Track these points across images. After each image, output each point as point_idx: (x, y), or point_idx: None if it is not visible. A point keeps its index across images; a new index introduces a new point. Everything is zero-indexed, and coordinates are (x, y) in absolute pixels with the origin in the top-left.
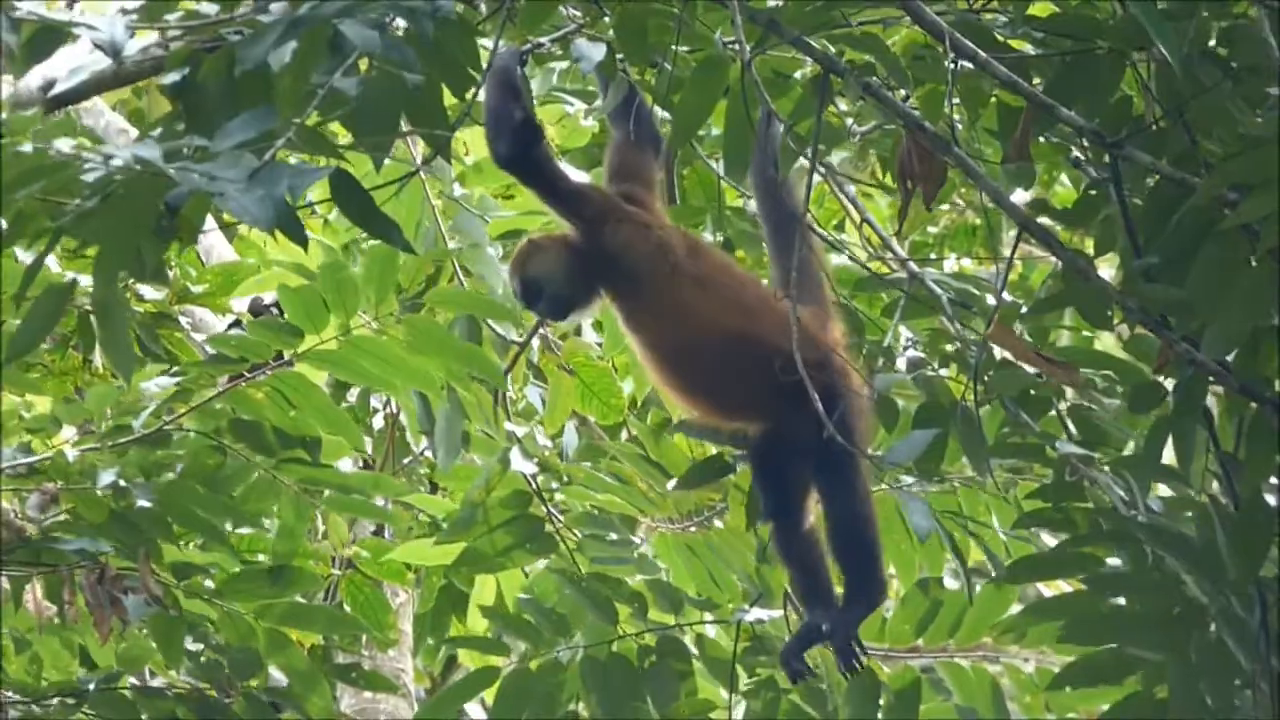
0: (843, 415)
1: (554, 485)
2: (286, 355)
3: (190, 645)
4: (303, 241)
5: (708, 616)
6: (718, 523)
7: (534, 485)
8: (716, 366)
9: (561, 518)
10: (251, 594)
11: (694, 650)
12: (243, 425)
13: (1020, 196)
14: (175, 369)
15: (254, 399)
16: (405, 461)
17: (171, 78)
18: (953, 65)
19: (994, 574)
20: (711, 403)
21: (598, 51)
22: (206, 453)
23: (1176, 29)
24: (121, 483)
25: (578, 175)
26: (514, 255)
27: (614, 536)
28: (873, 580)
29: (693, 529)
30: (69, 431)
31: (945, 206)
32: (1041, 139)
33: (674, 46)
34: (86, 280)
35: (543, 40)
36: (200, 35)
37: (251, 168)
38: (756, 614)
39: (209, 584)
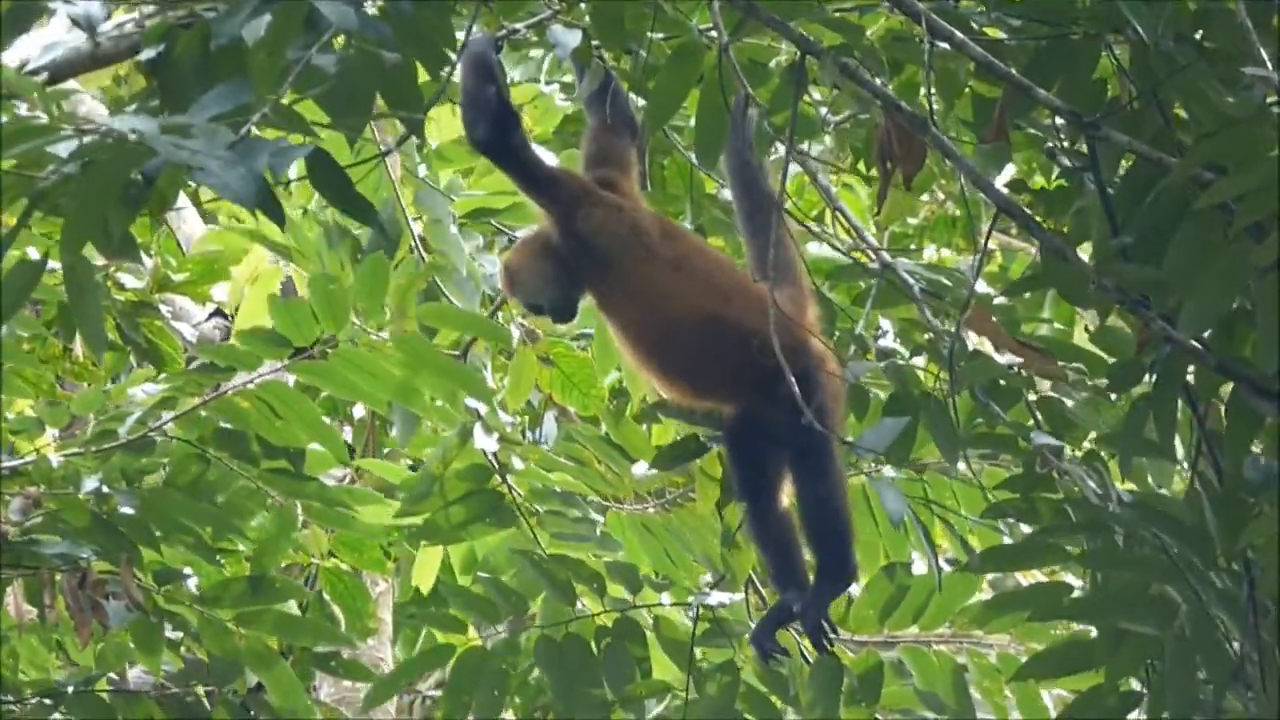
0: (818, 399)
1: (514, 460)
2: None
3: (170, 653)
4: (280, 220)
5: (666, 598)
6: (679, 506)
7: (493, 461)
8: (691, 349)
9: (521, 492)
10: (233, 601)
11: (651, 632)
12: (227, 434)
13: (998, 181)
14: (162, 375)
15: (240, 408)
16: (386, 452)
17: (147, 54)
18: (929, 46)
19: (965, 561)
20: (687, 384)
21: (573, 38)
22: (190, 460)
23: (1151, 10)
24: (104, 489)
25: (551, 159)
26: (501, 277)
27: (575, 514)
28: (843, 561)
29: (652, 510)
30: (52, 433)
31: (925, 198)
32: (1018, 127)
33: (649, 34)
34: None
35: (519, 26)
36: (176, 11)
37: (229, 142)
38: (718, 597)
39: (191, 589)
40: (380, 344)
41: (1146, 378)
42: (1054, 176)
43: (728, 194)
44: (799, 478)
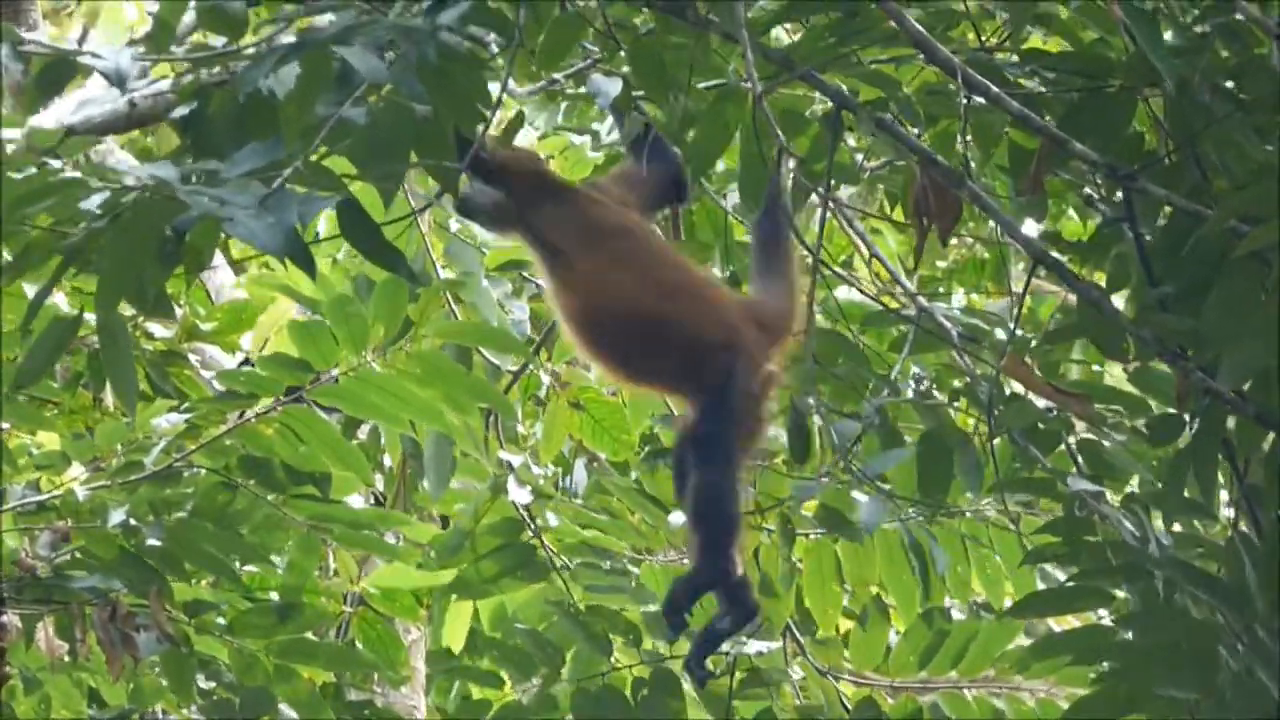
0: (728, 397)
1: (548, 514)
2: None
3: (201, 683)
4: (311, 270)
5: None
6: None
7: (525, 514)
8: (624, 339)
9: (553, 546)
10: (261, 630)
11: (687, 684)
12: (252, 462)
13: (1032, 229)
14: (185, 405)
15: (264, 435)
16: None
17: (180, 111)
18: (965, 100)
19: (1001, 609)
20: (622, 370)
21: (614, 86)
22: (216, 490)
23: (1186, 63)
24: (132, 521)
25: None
26: None
27: (608, 566)
28: (711, 561)
29: (687, 561)
30: (77, 469)
31: (954, 241)
32: (1055, 175)
33: (689, 81)
34: (93, 316)
35: (557, 76)
36: (208, 69)
37: (260, 194)
38: (755, 646)
39: (220, 620)
40: (402, 359)
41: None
42: (1091, 224)
43: None
44: (692, 467)
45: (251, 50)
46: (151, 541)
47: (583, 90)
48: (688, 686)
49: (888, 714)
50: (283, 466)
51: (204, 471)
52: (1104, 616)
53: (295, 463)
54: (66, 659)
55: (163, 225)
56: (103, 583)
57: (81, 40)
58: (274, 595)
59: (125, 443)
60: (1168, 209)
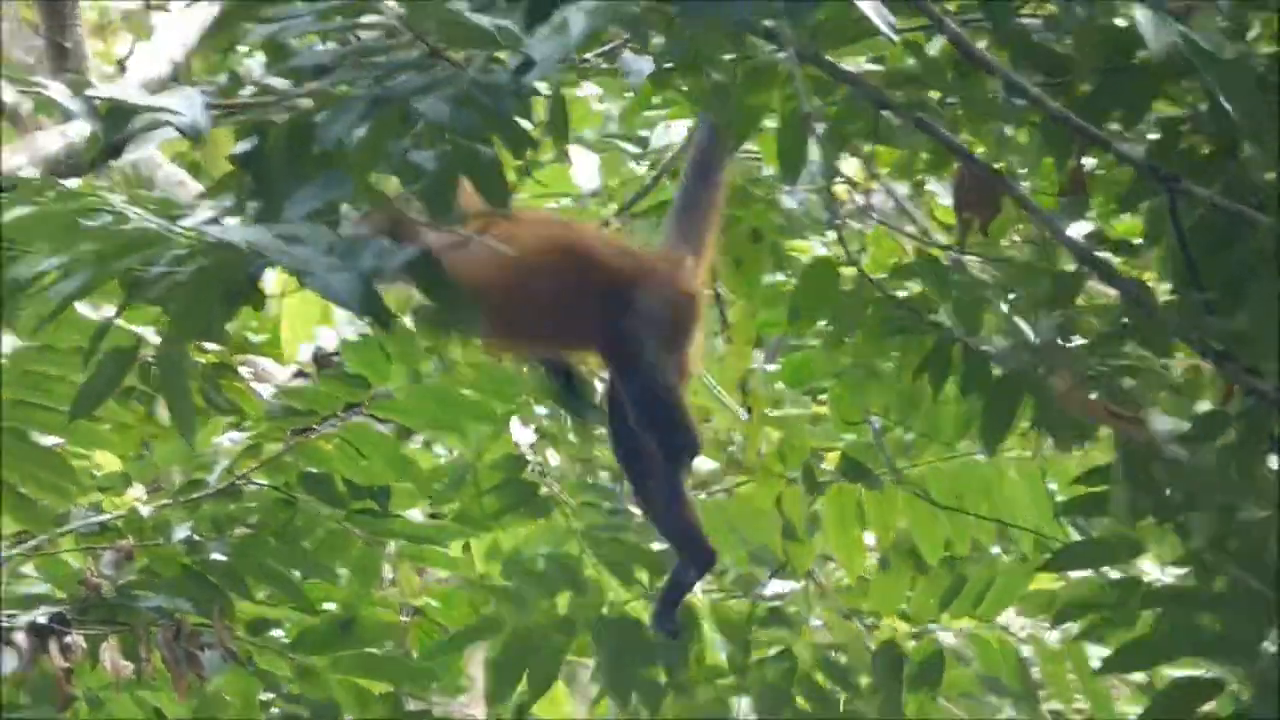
0: (633, 320)
1: (549, 452)
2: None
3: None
4: (386, 324)
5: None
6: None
7: (528, 452)
8: (529, 299)
9: (557, 483)
10: (322, 645)
11: (706, 620)
12: (313, 478)
13: (1083, 228)
14: (245, 423)
15: (324, 451)
16: None
17: (241, 148)
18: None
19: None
20: (527, 337)
21: (645, 65)
22: (278, 506)
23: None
24: (195, 538)
25: None
26: None
27: (611, 505)
28: (695, 553)
29: (704, 496)
30: (138, 489)
31: (1004, 243)
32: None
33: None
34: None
35: (589, 55)
36: (278, 113)
37: (330, 242)
38: (775, 587)
39: (282, 637)
40: (461, 367)
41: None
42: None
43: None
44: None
45: (314, 86)
46: (215, 557)
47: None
48: (705, 624)
49: (909, 655)
50: (343, 481)
51: (264, 488)
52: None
53: (355, 477)
54: (131, 678)
55: (238, 273)
56: (167, 602)
57: (127, 58)
58: (334, 607)
59: (188, 463)
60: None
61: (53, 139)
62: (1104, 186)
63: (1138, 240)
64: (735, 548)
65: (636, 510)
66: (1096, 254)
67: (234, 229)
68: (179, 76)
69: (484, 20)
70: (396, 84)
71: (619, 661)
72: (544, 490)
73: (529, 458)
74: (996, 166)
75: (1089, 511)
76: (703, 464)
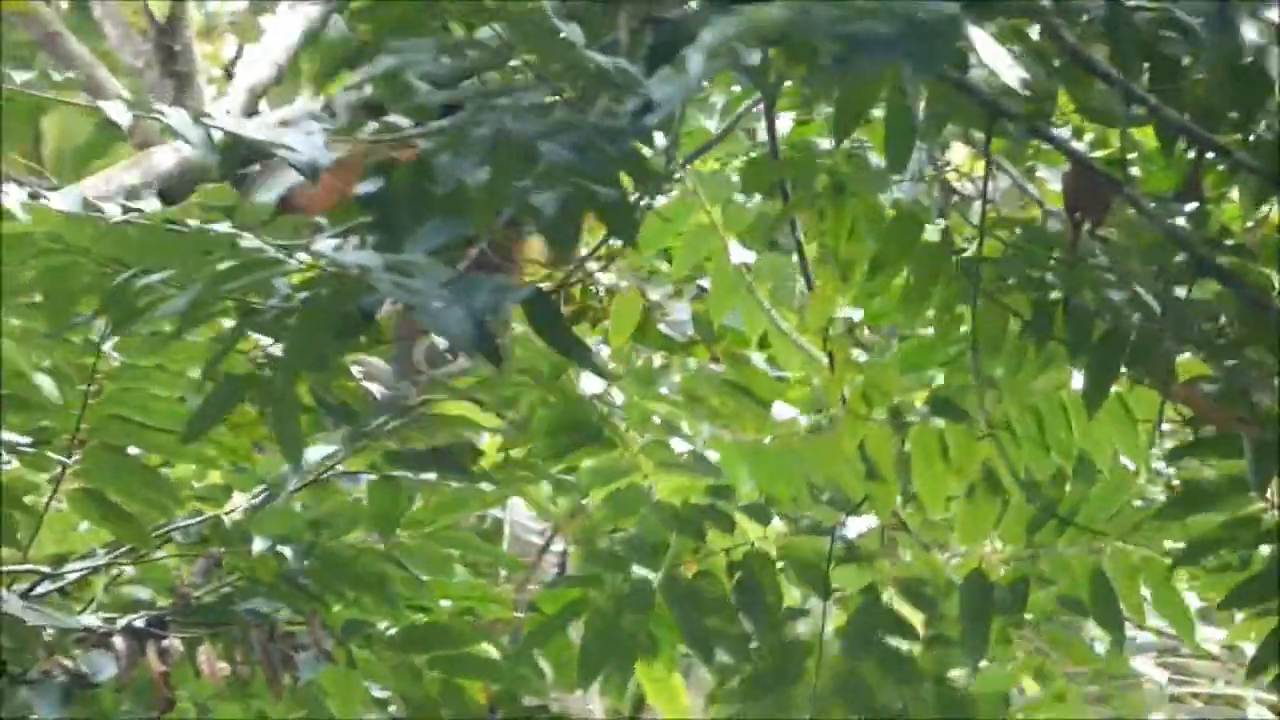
0: None
1: (615, 392)
2: None
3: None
4: (497, 362)
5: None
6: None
7: (596, 398)
8: None
9: (623, 422)
10: (423, 645)
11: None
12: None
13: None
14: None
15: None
16: None
17: (365, 187)
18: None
19: None
20: None
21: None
22: (376, 491)
23: None
24: (277, 548)
25: None
26: None
27: (678, 442)
28: None
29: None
30: (240, 499)
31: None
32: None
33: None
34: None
35: None
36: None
37: (444, 278)
38: (855, 525)
39: (383, 634)
40: None
41: None
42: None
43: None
44: None
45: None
46: (305, 563)
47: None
48: (782, 570)
49: (997, 583)
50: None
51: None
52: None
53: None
54: (230, 681)
55: (350, 304)
56: (263, 606)
57: (235, 61)
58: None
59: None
60: None
61: (167, 156)
62: (1219, 184)
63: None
64: (813, 491)
65: None
66: (1212, 257)
67: (348, 254)
68: (282, 79)
69: (605, 61)
70: (519, 126)
71: (697, 619)
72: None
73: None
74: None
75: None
76: (783, 410)
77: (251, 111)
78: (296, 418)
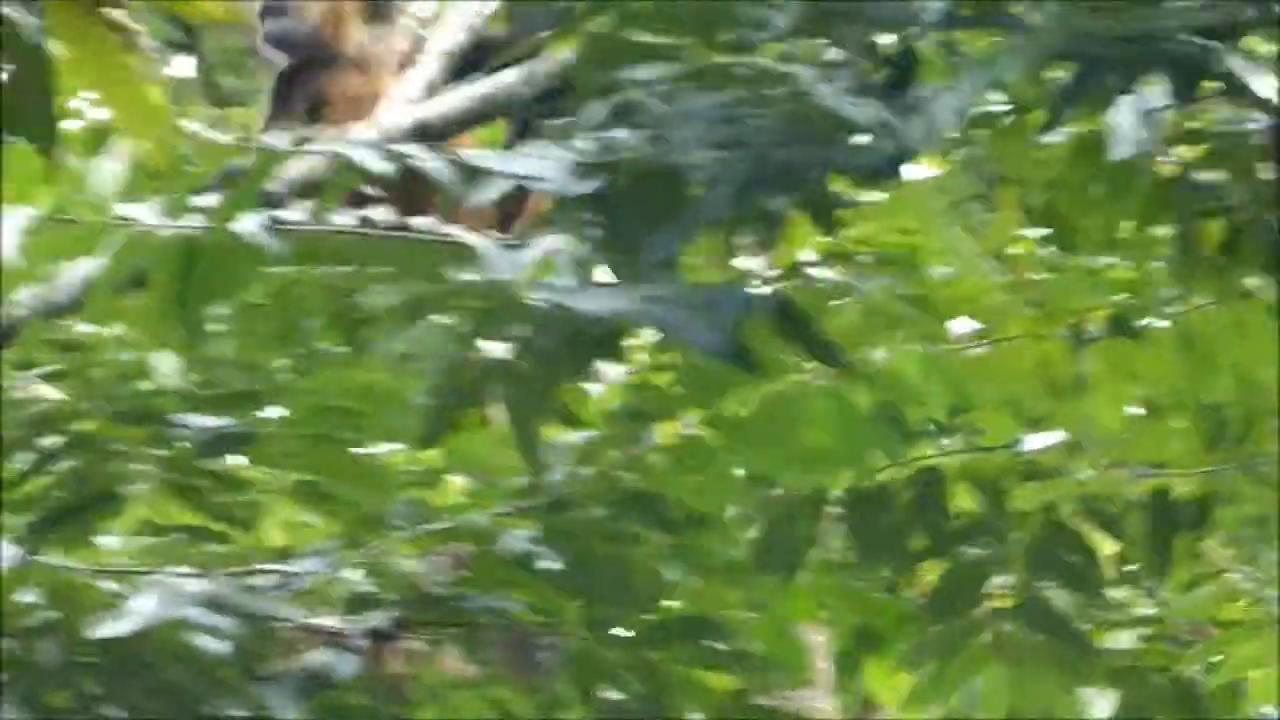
0: None
1: None
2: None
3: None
4: (750, 367)
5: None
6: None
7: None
8: None
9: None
10: (665, 641)
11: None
12: (640, 497)
13: None
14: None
15: (657, 469)
16: None
17: (591, 185)
18: None
19: None
20: None
21: None
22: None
23: None
24: (531, 549)
25: None
26: None
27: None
28: None
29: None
30: (457, 479)
31: None
32: None
33: None
34: None
35: None
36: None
37: (687, 293)
38: (1033, 442)
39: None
40: None
41: None
42: None
43: None
44: None
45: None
46: (549, 565)
47: None
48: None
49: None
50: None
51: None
52: None
53: (686, 497)
54: (473, 677)
55: (593, 333)
56: (503, 603)
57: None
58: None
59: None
60: None
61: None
62: None
63: None
64: (993, 406)
65: None
66: None
67: (593, 297)
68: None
69: (847, 105)
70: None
71: (872, 534)
72: None
73: None
74: None
75: None
76: (963, 324)
77: (446, 80)
78: (538, 425)
